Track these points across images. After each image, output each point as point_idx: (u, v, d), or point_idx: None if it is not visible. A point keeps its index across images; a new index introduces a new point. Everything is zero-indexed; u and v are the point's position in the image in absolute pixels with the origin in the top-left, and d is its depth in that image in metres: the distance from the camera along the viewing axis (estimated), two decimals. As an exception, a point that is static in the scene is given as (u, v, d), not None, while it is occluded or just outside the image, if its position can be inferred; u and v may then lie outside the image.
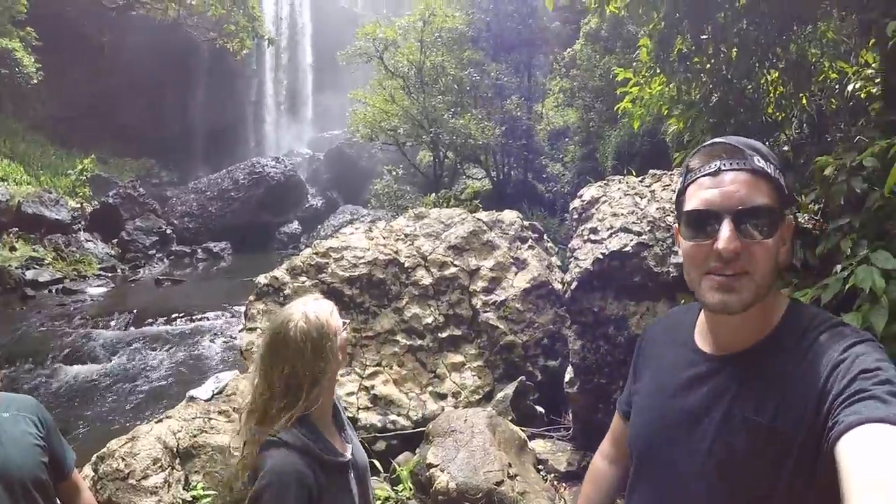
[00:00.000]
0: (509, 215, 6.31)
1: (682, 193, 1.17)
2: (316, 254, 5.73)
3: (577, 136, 15.56)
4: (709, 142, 1.16)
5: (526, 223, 6.37)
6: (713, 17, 4.15)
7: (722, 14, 4.13)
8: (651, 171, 5.04)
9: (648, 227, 4.32)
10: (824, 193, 2.66)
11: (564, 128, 16.48)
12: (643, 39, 4.91)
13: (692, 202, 1.12)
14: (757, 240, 1.05)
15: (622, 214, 4.52)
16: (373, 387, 5.06)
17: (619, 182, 4.97)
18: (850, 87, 3.68)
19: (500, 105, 14.90)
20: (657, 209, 4.43)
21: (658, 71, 4.81)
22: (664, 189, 4.67)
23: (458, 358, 5.37)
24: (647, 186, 4.79)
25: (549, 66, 17.27)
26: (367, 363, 5.21)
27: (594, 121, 14.52)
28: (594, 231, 4.51)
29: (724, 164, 1.09)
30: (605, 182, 5.08)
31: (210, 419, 4.13)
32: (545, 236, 6.54)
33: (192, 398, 4.41)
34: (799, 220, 3.27)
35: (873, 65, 3.68)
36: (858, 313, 2.13)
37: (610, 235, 4.40)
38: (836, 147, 2.84)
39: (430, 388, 5.18)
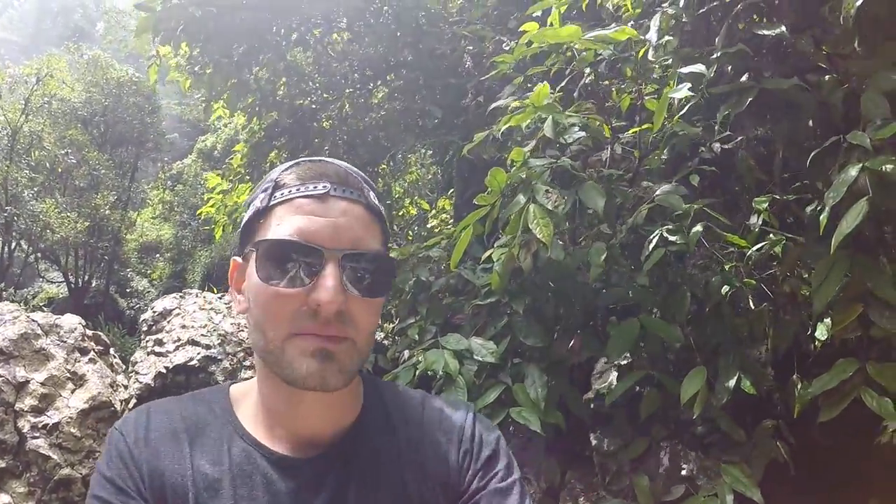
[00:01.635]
0: (70, 320, 5.37)
1: (262, 215, 0.82)
2: None
3: (169, 253, 14.85)
4: (312, 158, 0.88)
5: (89, 333, 5.50)
6: (310, 143, 4.44)
7: (320, 139, 4.45)
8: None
9: (219, 341, 4.37)
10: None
11: (157, 242, 15.41)
12: (239, 145, 4.96)
13: (282, 228, 0.78)
14: (366, 297, 0.79)
15: (193, 327, 4.45)
16: None
17: (197, 296, 4.96)
18: (429, 224, 4.44)
19: (92, 200, 12.94)
20: (232, 324, 4.51)
21: (247, 178, 4.91)
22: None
23: (5, 498, 4.27)
24: (226, 303, 4.88)
25: (156, 175, 16.23)
26: None
27: (188, 238, 14.03)
28: (160, 343, 4.40)
29: (336, 189, 0.81)
30: (181, 294, 5.04)
31: None
32: (112, 350, 5.71)
33: None
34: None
35: (449, 210, 4.54)
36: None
37: (176, 348, 4.32)
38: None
39: (-29, 543, 3.94)
